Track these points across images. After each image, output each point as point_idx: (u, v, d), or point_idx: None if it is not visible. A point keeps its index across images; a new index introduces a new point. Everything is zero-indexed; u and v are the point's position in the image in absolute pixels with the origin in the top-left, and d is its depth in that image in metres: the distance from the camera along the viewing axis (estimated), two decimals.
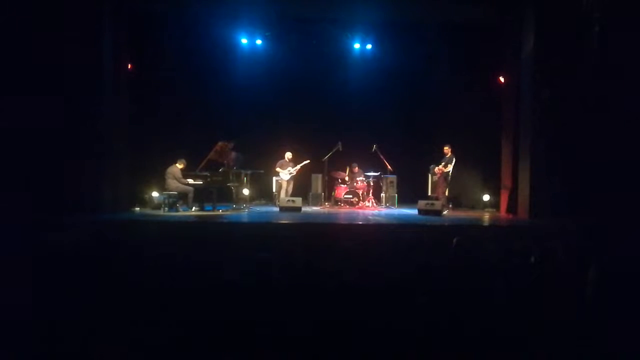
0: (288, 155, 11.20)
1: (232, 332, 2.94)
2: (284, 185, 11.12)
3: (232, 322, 3.03)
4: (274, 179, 11.78)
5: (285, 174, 11.09)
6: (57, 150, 8.44)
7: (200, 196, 9.75)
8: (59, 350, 2.77)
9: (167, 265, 4.40)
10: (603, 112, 8.10)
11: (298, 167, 11.12)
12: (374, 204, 11.07)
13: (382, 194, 11.48)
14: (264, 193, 12.18)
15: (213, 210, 9.56)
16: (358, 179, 11.22)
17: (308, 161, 11.11)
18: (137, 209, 9.74)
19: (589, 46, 8.09)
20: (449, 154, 10.51)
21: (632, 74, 7.76)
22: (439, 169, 10.60)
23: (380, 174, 11.36)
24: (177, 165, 9.59)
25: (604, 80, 8.02)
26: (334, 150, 10.97)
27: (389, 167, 11.07)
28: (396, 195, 11.41)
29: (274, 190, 11.82)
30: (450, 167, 10.37)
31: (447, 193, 10.75)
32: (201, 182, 9.61)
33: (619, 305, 3.26)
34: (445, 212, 9.68)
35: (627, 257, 4.68)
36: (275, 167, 11.16)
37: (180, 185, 9.47)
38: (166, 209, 9.24)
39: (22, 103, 8.25)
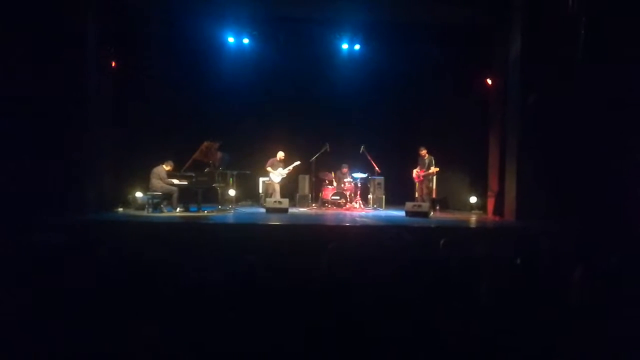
0: (280, 154, 11.06)
1: (218, 334, 2.89)
2: (277, 187, 10.97)
3: (219, 324, 2.99)
4: (261, 179, 11.69)
5: (276, 175, 10.95)
6: (40, 149, 8.29)
7: (185, 197, 9.62)
8: (40, 351, 2.70)
9: (149, 267, 4.31)
10: (590, 115, 8.16)
11: (289, 168, 11.00)
12: (362, 206, 11.04)
13: (370, 196, 11.46)
14: (250, 194, 12.09)
15: (198, 211, 9.44)
16: (345, 180, 11.18)
17: (299, 162, 11.01)
18: (121, 209, 9.60)
19: (576, 49, 8.15)
20: (426, 156, 10.56)
21: (619, 77, 7.83)
22: (418, 174, 10.66)
23: (368, 176, 11.34)
24: (164, 166, 9.46)
25: (590, 83, 8.08)
26: (321, 151, 10.92)
27: (377, 168, 11.05)
28: (383, 196, 11.39)
29: (260, 191, 11.73)
30: (432, 170, 10.38)
31: (434, 195, 10.76)
32: (186, 183, 9.49)
33: (604, 305, 3.27)
34: (431, 214, 9.69)
35: (611, 259, 4.70)
36: (266, 166, 11.02)
37: (164, 185, 9.34)
38: (150, 209, 9.10)
39: (3, 102, 8.09)
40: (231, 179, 10.48)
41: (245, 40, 11.33)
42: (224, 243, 6.43)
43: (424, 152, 10.69)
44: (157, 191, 9.26)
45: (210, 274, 3.87)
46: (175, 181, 9.49)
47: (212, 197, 10.38)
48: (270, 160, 11.01)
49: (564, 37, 8.39)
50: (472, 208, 11.08)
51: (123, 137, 10.08)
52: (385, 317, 3.08)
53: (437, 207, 10.95)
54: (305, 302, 3.31)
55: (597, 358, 2.81)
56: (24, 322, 2.98)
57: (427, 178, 10.58)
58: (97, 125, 9.32)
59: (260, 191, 11.71)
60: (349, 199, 11.06)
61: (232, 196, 10.58)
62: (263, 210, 10.18)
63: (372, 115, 11.91)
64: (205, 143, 9.59)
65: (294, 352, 2.79)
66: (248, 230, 7.67)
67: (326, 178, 11.33)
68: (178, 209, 9.49)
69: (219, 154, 10.01)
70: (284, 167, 10.98)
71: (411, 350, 2.81)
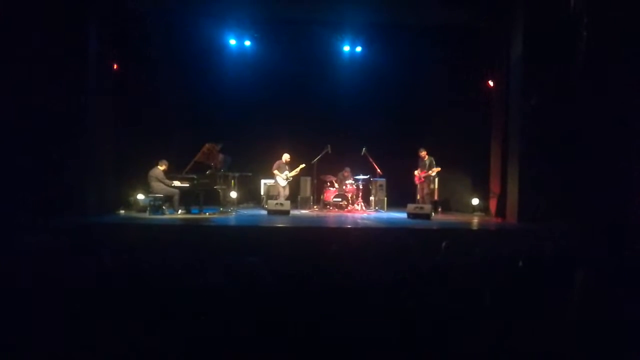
0: (286, 156, 11.04)
1: (218, 335, 2.88)
2: (282, 191, 10.96)
3: (219, 325, 2.98)
4: (262, 181, 11.69)
5: (281, 179, 10.93)
6: (41, 151, 8.28)
7: (187, 199, 9.62)
8: (40, 352, 2.69)
9: (151, 270, 4.30)
10: (591, 117, 8.14)
11: (296, 171, 10.99)
12: (363, 208, 11.02)
13: (372, 198, 11.44)
14: (252, 196, 12.08)
15: (200, 213, 9.43)
16: (347, 182, 11.17)
17: (304, 165, 11.01)
18: (122, 211, 9.59)
19: (577, 51, 8.13)
20: (427, 157, 10.56)
21: (621, 79, 7.81)
22: (419, 175, 10.68)
23: (370, 177, 11.32)
24: (159, 167, 9.45)
25: (592, 84, 8.06)
26: (323, 153, 10.90)
27: (378, 170, 11.03)
28: (385, 198, 11.37)
29: (262, 193, 11.72)
30: (433, 171, 10.38)
31: (436, 197, 10.74)
32: (188, 185, 9.48)
33: (606, 306, 3.25)
34: (433, 216, 9.67)
35: (613, 259, 4.68)
36: (272, 170, 10.99)
37: (165, 187, 9.33)
38: (151, 211, 9.09)
39: (4, 103, 8.10)
40: (233, 181, 10.47)
41: (247, 43, 11.34)
42: (226, 245, 6.43)
43: (423, 153, 10.69)
44: (158, 193, 9.25)
45: (211, 276, 3.86)
46: (177, 183, 9.48)
47: (214, 199, 10.37)
48: (277, 163, 10.99)
49: (566, 38, 8.38)
50: (474, 210, 11.04)
51: (124, 139, 10.07)
52: (387, 320, 3.07)
53: (439, 209, 10.92)
54: (305, 304, 3.30)
55: (599, 358, 2.80)
56: (24, 324, 2.98)
57: (428, 179, 10.57)
58: (99, 127, 9.32)
59: (262, 193, 11.70)
60: (350, 201, 11.05)
61: (233, 198, 10.57)
62: (265, 212, 10.17)
63: (373, 116, 11.88)
64: (207, 145, 9.59)
65: (295, 353, 2.78)
66: (250, 233, 7.66)
67: (328, 180, 11.32)
68: (179, 211, 9.49)
69: (221, 156, 10.00)
70: (290, 169, 10.99)
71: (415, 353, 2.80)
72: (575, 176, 8.31)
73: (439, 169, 10.39)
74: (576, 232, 7.15)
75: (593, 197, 7.92)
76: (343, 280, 3.72)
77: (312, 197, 11.56)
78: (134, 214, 9.43)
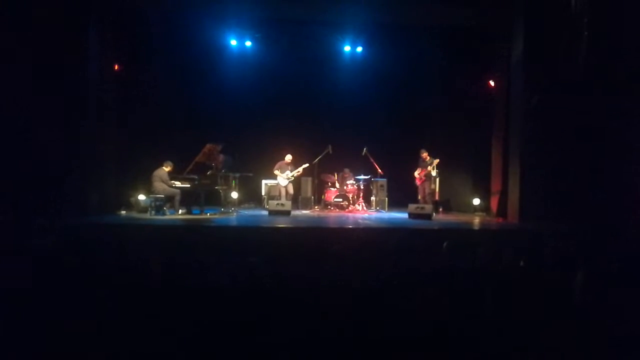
0: (288, 157, 11.07)
1: (218, 335, 2.89)
2: (282, 190, 10.97)
3: (220, 324, 2.98)
4: (263, 182, 11.69)
5: (282, 179, 10.94)
6: (42, 152, 8.29)
7: (188, 199, 9.62)
8: (41, 353, 2.69)
9: (152, 270, 4.30)
10: (592, 116, 8.14)
11: (298, 171, 11.00)
12: (364, 208, 11.02)
13: (373, 198, 11.44)
14: (253, 196, 12.07)
15: (201, 213, 9.43)
16: (348, 182, 11.17)
17: (307, 165, 11.01)
18: (123, 212, 9.58)
19: (578, 50, 8.12)
20: (427, 158, 10.58)
21: (621, 78, 7.80)
22: (419, 175, 10.68)
23: (371, 178, 11.32)
24: (164, 168, 9.46)
25: (593, 84, 8.05)
26: (324, 153, 10.90)
27: (379, 170, 11.03)
28: (386, 198, 11.37)
29: (263, 193, 11.73)
30: (432, 171, 10.38)
31: (437, 197, 10.73)
32: (189, 185, 9.48)
33: (606, 306, 3.26)
34: (434, 216, 9.66)
35: (614, 259, 4.68)
36: (273, 169, 11.01)
37: (167, 188, 9.34)
38: (153, 212, 9.09)
39: (4, 103, 8.11)
40: (234, 182, 10.47)
41: (248, 43, 11.36)
42: (227, 246, 6.42)
43: (425, 154, 10.70)
44: (159, 194, 9.25)
45: (212, 277, 3.87)
46: (178, 184, 9.48)
47: (215, 199, 10.37)
48: (278, 163, 11.02)
49: (567, 38, 8.36)
50: (475, 210, 11.02)
51: (126, 139, 10.08)
52: (388, 320, 3.06)
53: (440, 209, 10.92)
54: (306, 303, 3.30)
55: (598, 358, 2.80)
56: (24, 323, 2.98)
57: (429, 179, 10.57)
58: (100, 128, 9.32)
59: (263, 193, 11.70)
60: (351, 201, 11.04)
61: (234, 198, 10.57)
62: (266, 212, 10.16)
63: (374, 116, 11.89)
64: (208, 145, 9.59)
65: (295, 352, 2.78)
66: (251, 233, 7.65)
67: (329, 180, 11.33)
68: (180, 212, 9.49)
69: (222, 157, 10.00)
70: (292, 170, 10.99)
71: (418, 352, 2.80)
72: (576, 176, 8.31)
73: (438, 160, 10.38)
74: (577, 231, 7.14)
75: (593, 197, 7.92)
76: (344, 280, 3.72)
77: (313, 198, 11.56)
78: (135, 214, 9.43)
